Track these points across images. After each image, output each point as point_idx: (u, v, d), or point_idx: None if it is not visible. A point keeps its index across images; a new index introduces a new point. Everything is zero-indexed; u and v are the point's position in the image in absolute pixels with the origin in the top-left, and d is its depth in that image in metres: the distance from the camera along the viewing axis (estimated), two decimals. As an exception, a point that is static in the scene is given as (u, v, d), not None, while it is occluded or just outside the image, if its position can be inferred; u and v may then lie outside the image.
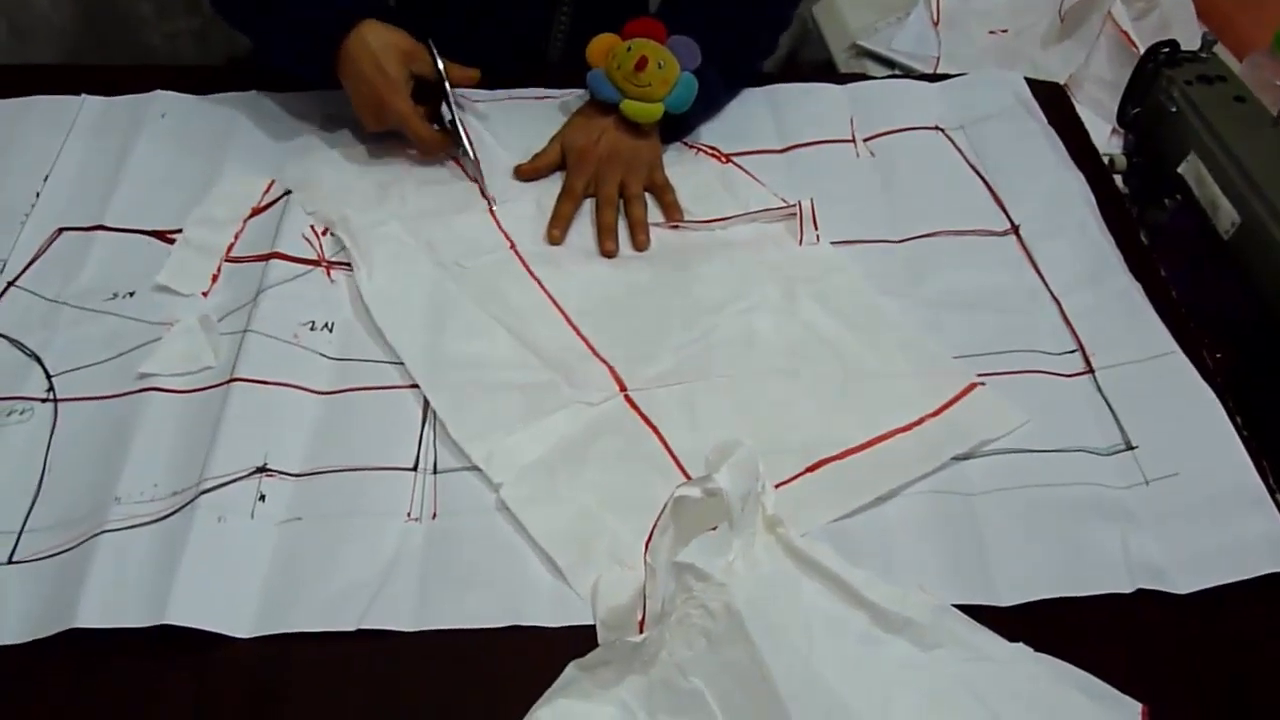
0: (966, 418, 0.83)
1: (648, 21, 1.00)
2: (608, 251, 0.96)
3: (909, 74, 1.26)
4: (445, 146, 1.01)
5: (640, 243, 0.97)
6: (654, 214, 1.00)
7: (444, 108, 1.00)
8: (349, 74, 0.97)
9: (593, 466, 0.79)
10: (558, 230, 0.97)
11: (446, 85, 1.00)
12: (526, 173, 1.02)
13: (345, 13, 0.97)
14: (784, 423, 0.82)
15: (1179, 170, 1.02)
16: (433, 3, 1.07)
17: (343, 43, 0.96)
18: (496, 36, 1.11)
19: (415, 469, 0.79)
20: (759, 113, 1.10)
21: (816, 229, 0.96)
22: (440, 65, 0.99)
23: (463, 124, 1.00)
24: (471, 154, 1.00)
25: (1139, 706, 0.66)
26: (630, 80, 0.98)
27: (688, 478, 0.77)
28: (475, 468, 0.79)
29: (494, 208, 0.99)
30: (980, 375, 0.86)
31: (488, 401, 0.82)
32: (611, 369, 0.86)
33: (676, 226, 0.99)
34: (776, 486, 0.76)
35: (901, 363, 0.87)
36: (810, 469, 0.79)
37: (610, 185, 0.99)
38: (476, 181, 1.01)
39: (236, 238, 0.94)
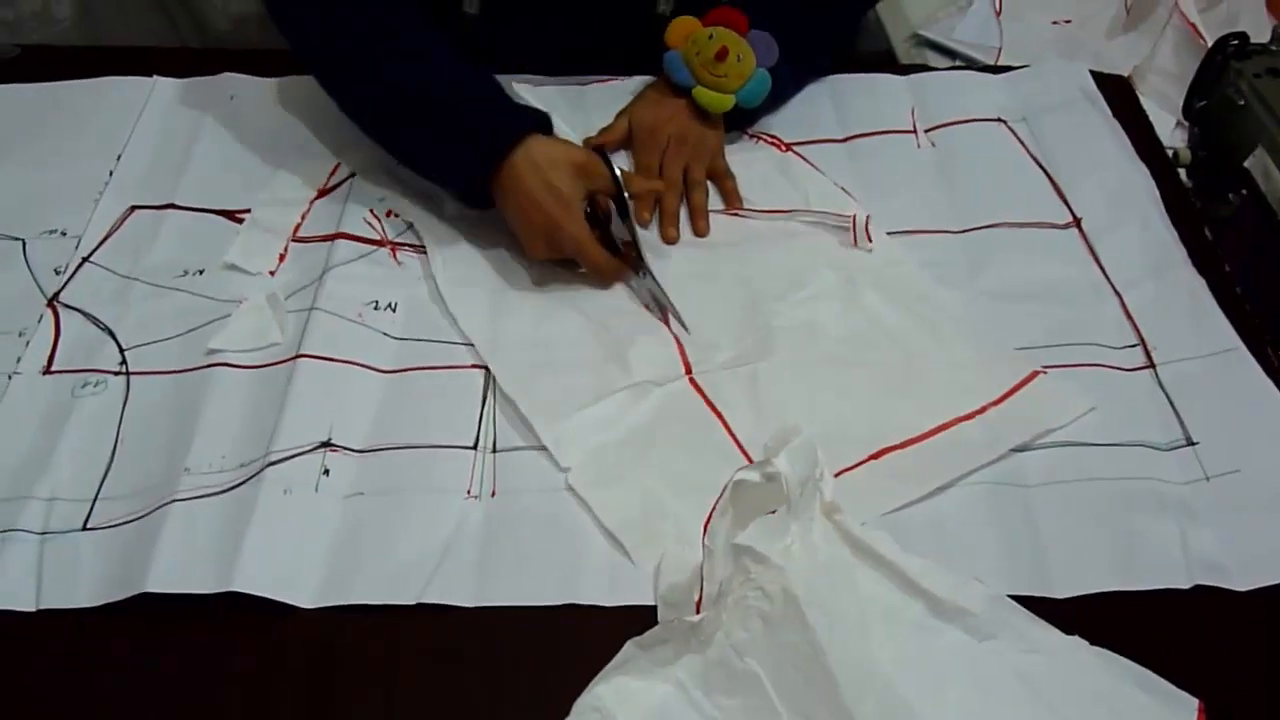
0: (1030, 406, 0.83)
1: (731, 11, 0.99)
2: (669, 238, 0.96)
3: (971, 64, 1.25)
4: (624, 274, 0.91)
5: (700, 229, 0.97)
6: (714, 201, 1.00)
7: (615, 223, 0.91)
8: (512, 194, 0.87)
9: (657, 450, 0.80)
10: (648, 213, 0.97)
11: (627, 200, 0.90)
12: (594, 145, 1.00)
13: (511, 124, 0.87)
14: (846, 410, 0.83)
15: (1245, 164, 1.00)
16: None
17: (507, 158, 0.86)
18: None
19: (475, 447, 0.80)
20: (820, 102, 1.10)
21: (870, 242, 0.95)
22: (618, 175, 0.89)
23: (640, 244, 0.90)
24: (654, 278, 0.89)
25: (1195, 702, 0.65)
26: (708, 68, 0.98)
27: (751, 462, 0.78)
28: (534, 447, 0.80)
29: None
30: (1042, 367, 0.85)
31: (556, 381, 0.83)
32: (681, 347, 0.86)
33: (736, 214, 0.99)
34: (838, 474, 0.76)
35: (962, 352, 0.87)
36: (873, 457, 0.79)
37: (675, 169, 0.99)
38: (662, 311, 0.89)
39: (303, 218, 0.96)
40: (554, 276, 0.92)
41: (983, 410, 0.82)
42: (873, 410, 0.83)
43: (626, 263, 0.91)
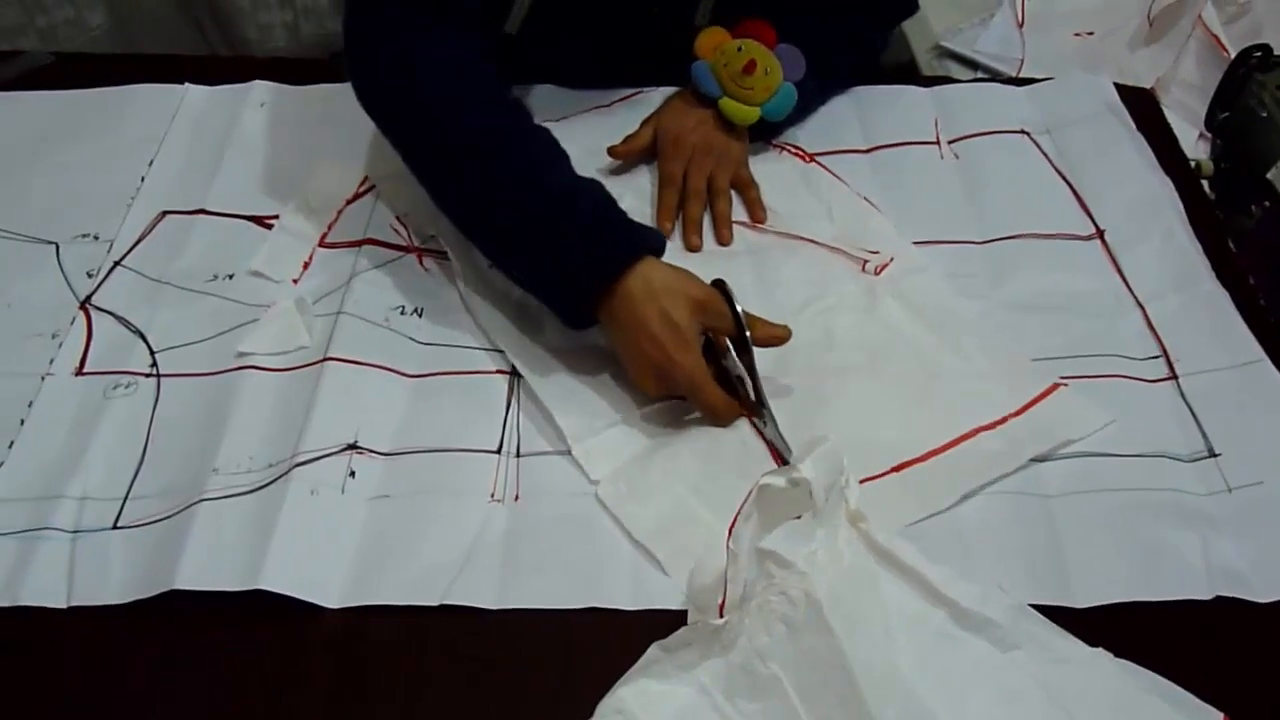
0: (1049, 417, 0.83)
1: (760, 24, 1.00)
2: (693, 247, 0.96)
3: (993, 76, 1.25)
4: (740, 415, 0.83)
5: (724, 238, 0.98)
6: (737, 211, 1.01)
7: (729, 359, 0.83)
8: (625, 323, 0.79)
9: (685, 457, 0.80)
10: (669, 223, 0.97)
11: (749, 341, 0.82)
12: (620, 154, 1.02)
13: (627, 245, 0.81)
14: (866, 421, 0.83)
15: (1268, 176, 1.00)
16: None
17: (620, 282, 0.79)
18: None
19: (499, 452, 0.81)
20: (843, 113, 1.11)
21: (877, 273, 0.95)
22: (740, 313, 0.81)
23: (760, 390, 0.83)
24: (774, 421, 0.82)
25: (1220, 716, 0.65)
26: (735, 80, 0.98)
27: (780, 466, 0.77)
28: (557, 452, 0.81)
29: None
30: (1062, 378, 0.86)
31: (587, 392, 0.84)
32: None
33: (758, 229, 0.99)
34: (861, 483, 0.76)
35: (982, 363, 0.87)
36: (895, 469, 0.80)
37: (700, 177, 0.99)
38: (777, 456, 0.81)
39: (330, 226, 0.97)
40: None
41: (1003, 421, 0.82)
42: (892, 421, 0.83)
43: (743, 401, 0.83)
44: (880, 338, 0.89)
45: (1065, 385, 0.85)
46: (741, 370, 0.83)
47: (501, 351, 0.87)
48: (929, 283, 0.94)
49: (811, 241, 0.98)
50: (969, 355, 0.88)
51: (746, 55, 0.98)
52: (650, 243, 0.82)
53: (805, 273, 0.95)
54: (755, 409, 0.82)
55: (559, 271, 0.82)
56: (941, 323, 0.90)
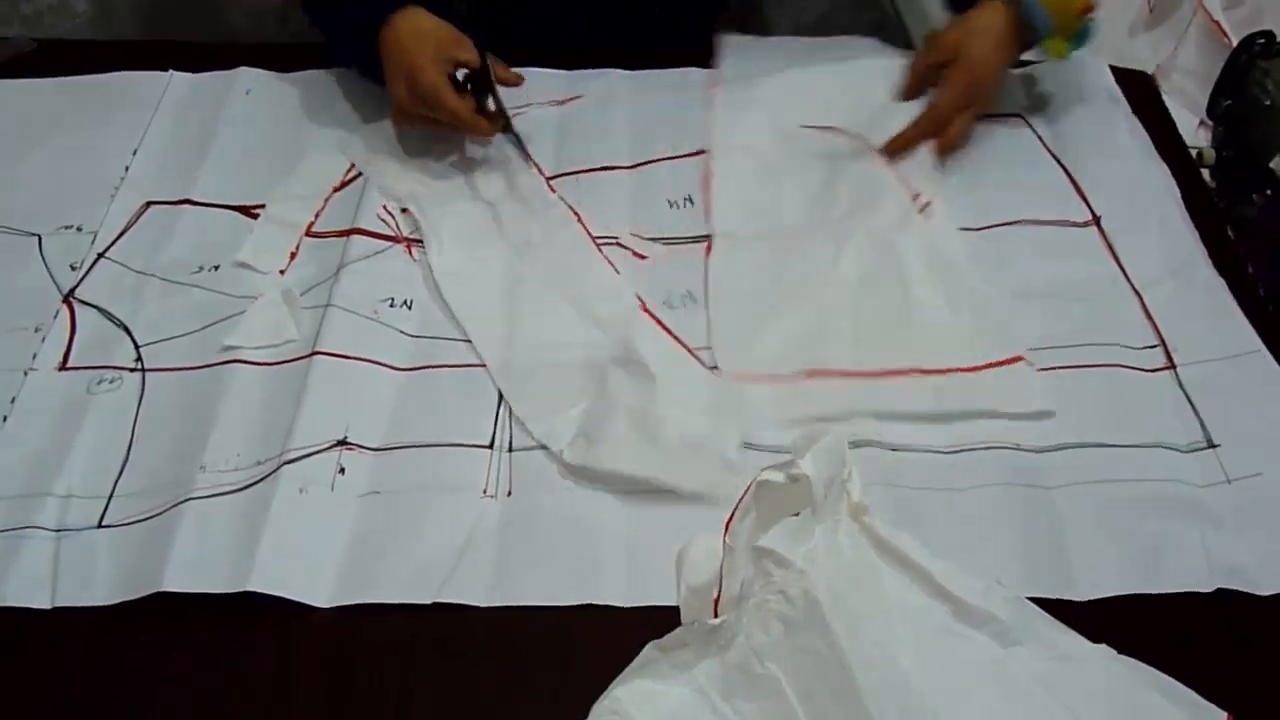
0: (990, 385, 0.83)
1: None
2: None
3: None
4: (483, 126, 0.98)
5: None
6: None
7: (489, 100, 0.99)
8: (386, 53, 0.96)
9: (640, 392, 0.81)
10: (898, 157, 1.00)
11: (490, 69, 0.98)
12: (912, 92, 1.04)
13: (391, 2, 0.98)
14: (826, 320, 0.87)
15: (1270, 165, 0.99)
16: None
17: (385, 26, 0.96)
18: None
19: (491, 446, 0.80)
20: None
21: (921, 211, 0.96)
22: (484, 53, 0.98)
23: (503, 107, 0.99)
24: (517, 135, 0.99)
25: (1223, 715, 0.64)
26: (1067, 20, 0.98)
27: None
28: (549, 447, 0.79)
29: (551, 182, 0.99)
30: (1059, 367, 0.85)
31: (551, 378, 0.84)
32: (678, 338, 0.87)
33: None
34: (802, 374, 0.83)
35: (963, 316, 0.88)
36: (814, 373, 0.84)
37: (966, 113, 1.01)
38: (524, 161, 1.00)
39: (317, 215, 0.96)
40: (558, 272, 0.92)
41: (948, 372, 0.83)
42: (847, 330, 0.86)
43: (486, 120, 0.98)
44: (883, 258, 0.91)
45: (1028, 363, 0.84)
46: (498, 101, 0.99)
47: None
48: (951, 235, 0.95)
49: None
50: (955, 305, 0.88)
51: None
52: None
53: (860, 187, 0.97)
54: (503, 125, 0.99)
55: (351, 38, 1.00)
56: (946, 267, 0.91)
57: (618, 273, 0.92)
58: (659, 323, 0.87)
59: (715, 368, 0.85)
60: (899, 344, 0.85)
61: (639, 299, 0.89)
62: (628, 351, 0.83)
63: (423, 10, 0.98)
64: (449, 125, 0.97)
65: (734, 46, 1.13)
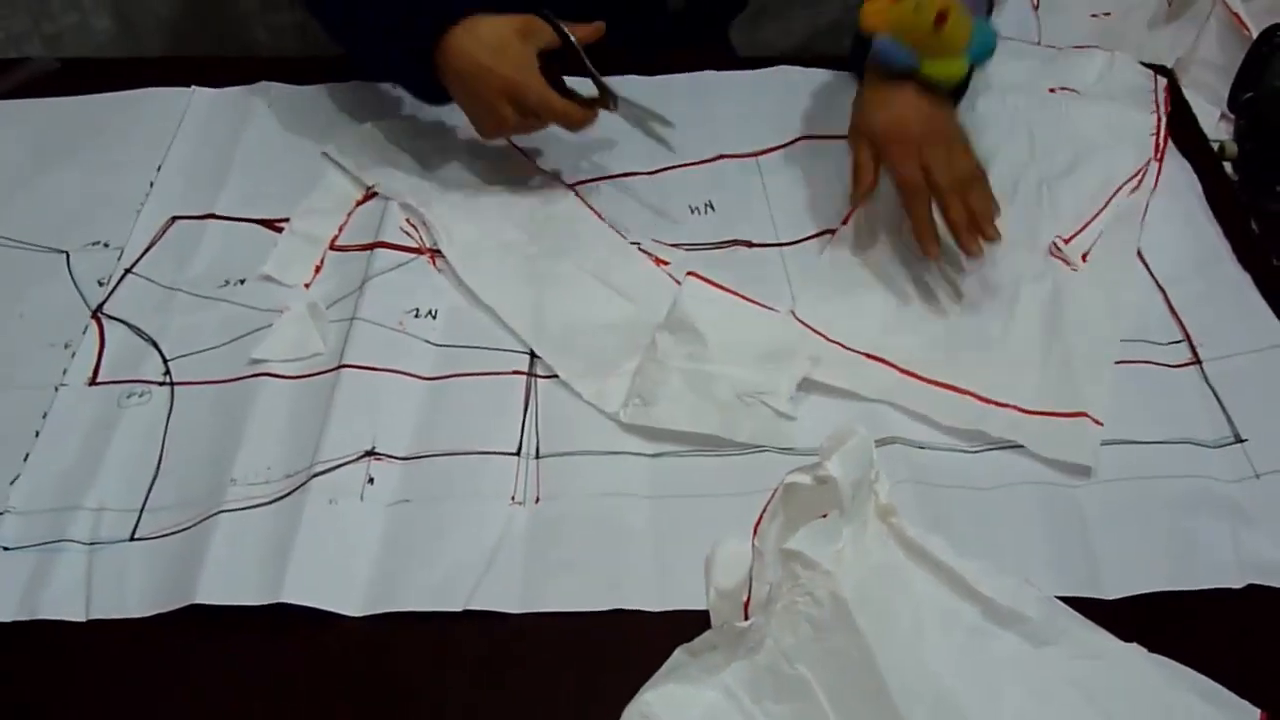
0: (1039, 429, 0.81)
1: None
2: (933, 254, 0.88)
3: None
4: (593, 116, 0.93)
5: (991, 236, 0.87)
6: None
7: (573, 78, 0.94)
8: (459, 71, 0.89)
9: (694, 344, 0.83)
10: (936, 245, 0.87)
11: (576, 46, 0.92)
12: (862, 202, 0.91)
13: (444, 9, 0.90)
14: (908, 319, 0.88)
15: (1294, 157, 0.99)
16: None
17: (444, 38, 0.89)
18: None
19: (519, 453, 0.80)
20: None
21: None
22: (562, 27, 0.91)
23: (602, 83, 0.93)
24: (629, 100, 0.94)
25: (1257, 712, 0.64)
26: (929, 41, 0.85)
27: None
28: (577, 452, 0.80)
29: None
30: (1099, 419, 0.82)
31: (588, 342, 0.86)
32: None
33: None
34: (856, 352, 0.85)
35: (1054, 355, 0.85)
36: (876, 359, 0.85)
37: (946, 172, 0.86)
38: (651, 129, 0.96)
39: (341, 229, 0.96)
40: (568, 242, 0.94)
41: (1003, 406, 0.82)
42: (938, 339, 0.87)
43: (592, 108, 0.93)
44: (1007, 288, 0.90)
45: (1097, 423, 0.81)
46: (594, 74, 0.92)
47: (518, 352, 0.86)
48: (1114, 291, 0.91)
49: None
50: (1048, 357, 0.85)
51: (932, 8, 0.84)
52: (463, 4, 0.89)
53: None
54: (606, 101, 0.93)
55: (396, 48, 0.92)
56: (1069, 322, 0.87)
57: (623, 238, 0.95)
58: (708, 281, 0.87)
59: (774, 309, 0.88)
60: (970, 365, 0.84)
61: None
62: (674, 315, 0.85)
63: (476, 15, 0.89)
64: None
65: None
